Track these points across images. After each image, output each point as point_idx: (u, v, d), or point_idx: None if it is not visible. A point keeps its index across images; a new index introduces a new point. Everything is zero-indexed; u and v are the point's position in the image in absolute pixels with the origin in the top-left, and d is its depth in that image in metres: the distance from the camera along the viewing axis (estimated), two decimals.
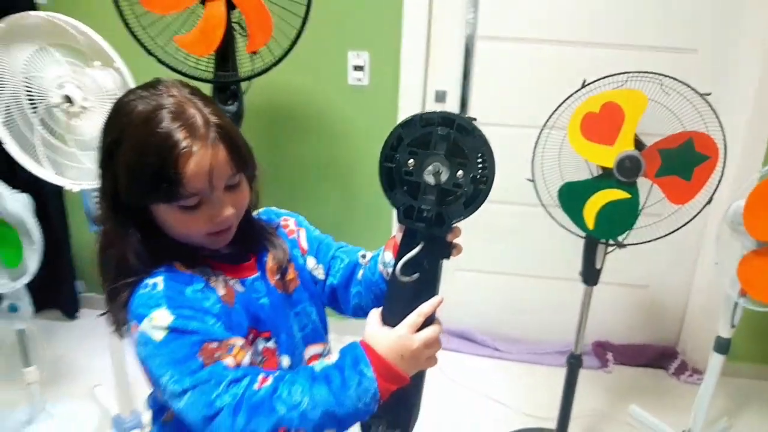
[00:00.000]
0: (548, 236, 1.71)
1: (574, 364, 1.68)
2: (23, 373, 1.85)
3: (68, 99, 1.47)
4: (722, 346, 1.75)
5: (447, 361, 2.35)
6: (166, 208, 0.75)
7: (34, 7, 2.09)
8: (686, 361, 2.30)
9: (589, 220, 1.45)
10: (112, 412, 1.92)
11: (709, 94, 1.33)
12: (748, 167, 1.95)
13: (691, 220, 1.44)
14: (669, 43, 2.01)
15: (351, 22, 2.09)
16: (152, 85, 0.76)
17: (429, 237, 0.74)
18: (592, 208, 1.43)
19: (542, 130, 1.44)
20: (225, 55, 1.55)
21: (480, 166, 0.72)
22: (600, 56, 2.04)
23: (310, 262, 0.92)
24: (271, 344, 0.82)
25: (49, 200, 2.24)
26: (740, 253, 1.53)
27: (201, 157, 0.72)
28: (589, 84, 1.37)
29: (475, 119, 0.74)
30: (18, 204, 1.58)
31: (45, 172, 1.57)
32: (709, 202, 1.40)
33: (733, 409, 2.11)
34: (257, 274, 0.85)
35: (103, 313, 0.80)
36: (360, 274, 0.89)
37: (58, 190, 2.31)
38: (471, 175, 0.72)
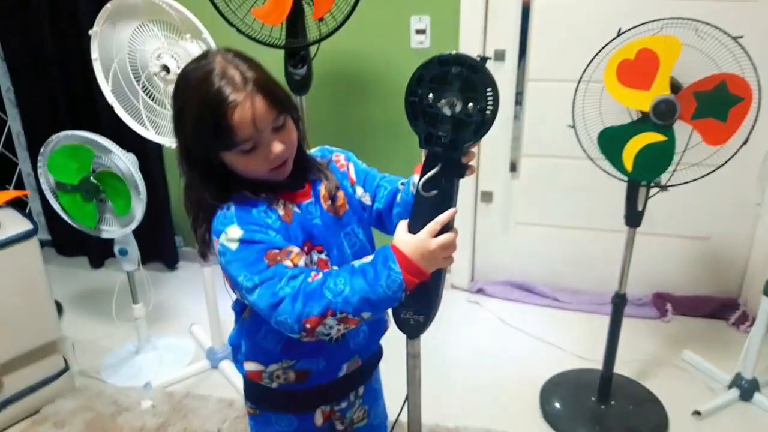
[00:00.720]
0: (608, 190, 1.76)
1: (618, 303, 1.78)
2: (132, 309, 2.18)
3: (165, 68, 1.72)
4: None
5: (508, 310, 2.50)
6: (230, 155, 0.90)
7: None
8: (747, 312, 2.31)
9: (628, 163, 1.54)
10: (205, 345, 2.22)
11: (741, 37, 1.38)
12: None
13: (728, 160, 1.50)
14: None
15: None
16: (202, 57, 0.92)
17: (446, 159, 0.88)
18: (630, 151, 1.52)
19: (581, 78, 1.54)
20: (294, 23, 1.75)
21: (488, 99, 0.84)
22: (657, 6, 2.06)
23: (359, 191, 1.08)
24: (323, 256, 0.98)
25: (150, 161, 2.55)
26: None
27: (244, 108, 0.86)
28: (625, 32, 1.46)
29: (489, 58, 0.87)
30: (127, 161, 1.87)
31: (148, 133, 1.84)
32: (745, 142, 1.46)
33: None
34: (311, 199, 0.99)
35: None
36: (399, 197, 1.04)
37: (158, 152, 2.63)
38: (479, 107, 0.84)
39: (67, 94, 2.64)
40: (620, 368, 2.03)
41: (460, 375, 2.12)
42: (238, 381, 2.01)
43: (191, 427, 1.86)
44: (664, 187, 1.62)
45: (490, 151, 2.45)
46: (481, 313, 2.50)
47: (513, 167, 2.43)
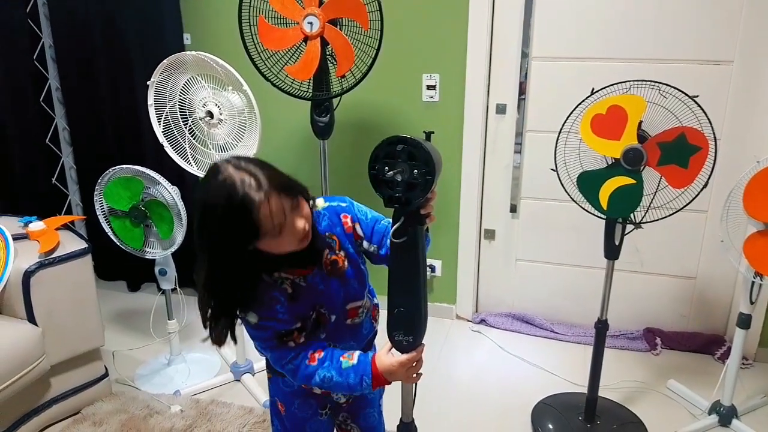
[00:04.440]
0: (600, 230, 1.91)
1: (600, 328, 1.98)
2: (167, 325, 2.43)
3: (209, 114, 2.02)
4: (743, 321, 1.98)
5: (508, 339, 2.70)
6: (263, 242, 1.05)
7: (182, 46, 2.73)
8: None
9: (603, 203, 1.77)
10: (230, 360, 2.45)
11: (697, 96, 1.63)
12: None
13: (689, 202, 1.73)
14: (705, 56, 2.28)
15: (425, 51, 2.54)
16: (215, 171, 1.03)
17: (406, 213, 1.12)
18: (605, 192, 1.76)
19: (560, 129, 1.80)
20: (320, 79, 2.05)
21: (428, 166, 1.07)
22: (642, 69, 2.33)
23: (365, 245, 1.25)
24: (324, 310, 1.22)
25: (187, 194, 2.82)
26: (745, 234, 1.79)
27: (265, 205, 1.00)
28: (597, 91, 1.72)
29: (432, 132, 1.15)
30: (172, 192, 2.15)
31: (191, 168, 2.13)
32: (705, 186, 1.69)
33: None
34: (314, 270, 1.19)
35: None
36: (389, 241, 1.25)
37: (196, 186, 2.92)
38: (422, 171, 1.07)
39: (116, 134, 2.97)
40: (608, 393, 2.23)
41: (460, 396, 2.32)
42: (258, 391, 2.25)
43: (215, 430, 2.07)
44: (638, 225, 1.84)
45: (492, 194, 2.70)
46: (482, 341, 2.70)
47: (513, 208, 2.67)
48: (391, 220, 1.27)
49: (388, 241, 1.20)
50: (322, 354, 1.18)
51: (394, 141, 1.08)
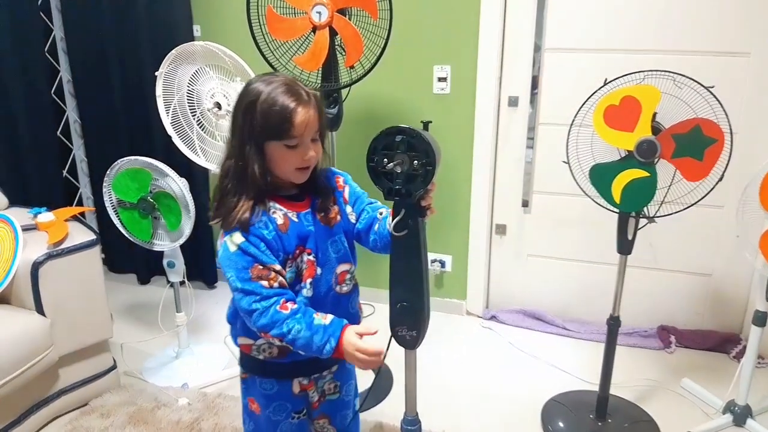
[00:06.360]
0: (613, 225, 1.87)
1: (612, 324, 1.94)
2: (175, 317, 2.43)
3: (218, 105, 2.01)
4: (759, 318, 1.93)
5: (519, 336, 2.66)
6: (277, 145, 1.15)
7: (192, 38, 2.72)
8: None
9: (616, 196, 1.73)
10: (237, 354, 2.43)
11: (713, 87, 1.59)
12: None
13: (705, 196, 1.68)
14: (721, 47, 2.23)
15: (436, 41, 2.51)
16: (272, 74, 1.21)
17: (407, 205, 1.11)
18: (618, 185, 1.72)
19: (572, 122, 1.76)
20: (329, 69, 2.03)
21: (428, 156, 1.06)
22: (655, 61, 2.26)
23: (348, 209, 1.32)
24: (311, 257, 1.22)
25: (195, 186, 2.81)
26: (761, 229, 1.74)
27: (303, 114, 1.13)
28: (610, 81, 1.68)
29: (430, 122, 1.13)
30: (180, 184, 2.14)
31: (199, 160, 2.12)
32: (720, 179, 1.64)
33: None
34: (308, 210, 1.24)
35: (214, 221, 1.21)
36: (376, 227, 1.28)
37: (204, 178, 2.91)
38: (422, 162, 1.06)
39: (127, 126, 2.97)
40: (621, 392, 2.18)
41: (470, 392, 2.29)
42: None
43: (222, 423, 2.07)
44: (651, 219, 1.80)
45: (504, 188, 2.66)
46: (493, 338, 2.66)
47: (525, 203, 2.63)
48: (383, 205, 1.28)
49: (388, 232, 1.19)
50: (296, 306, 1.17)
51: (392, 132, 1.06)
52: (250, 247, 1.15)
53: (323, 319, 1.17)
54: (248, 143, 1.16)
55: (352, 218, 1.31)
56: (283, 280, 1.18)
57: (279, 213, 1.20)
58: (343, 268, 1.28)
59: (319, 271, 1.24)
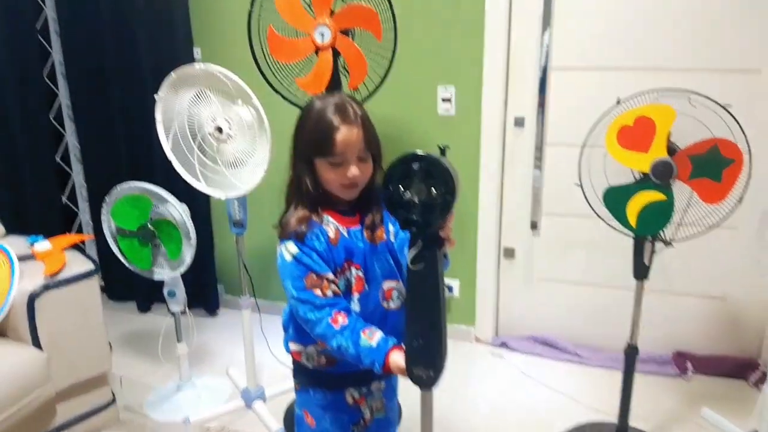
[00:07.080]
0: (625, 248, 1.84)
1: (630, 354, 1.87)
2: (176, 347, 2.36)
3: (219, 129, 1.95)
4: None
5: (530, 364, 2.58)
6: (322, 162, 1.19)
7: (193, 61, 2.68)
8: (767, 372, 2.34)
9: (632, 220, 1.67)
10: (241, 386, 2.36)
11: (730, 105, 1.53)
12: None
13: (724, 219, 1.62)
14: (731, 64, 2.18)
15: (440, 62, 2.47)
16: (330, 94, 1.27)
17: (424, 236, 1.04)
18: (633, 208, 1.66)
19: (584, 143, 1.71)
20: (332, 91, 1.98)
21: (448, 184, 0.99)
22: (664, 79, 2.21)
23: (391, 228, 1.31)
24: (360, 273, 1.25)
25: (197, 212, 2.76)
26: None
27: (345, 133, 1.17)
28: (623, 101, 1.63)
29: (447, 147, 1.07)
30: (181, 210, 2.09)
31: (200, 185, 2.07)
32: (739, 201, 1.58)
33: None
34: (358, 227, 1.27)
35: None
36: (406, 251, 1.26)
37: (206, 204, 2.86)
38: (441, 191, 0.99)
39: (127, 151, 2.92)
40: (638, 423, 2.10)
41: (480, 423, 2.20)
42: (269, 419, 2.15)
43: None
44: (668, 243, 1.73)
45: (511, 210, 2.60)
46: (503, 366, 2.58)
47: (534, 225, 2.56)
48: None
49: (405, 265, 1.14)
50: (347, 320, 1.18)
51: (408, 158, 1.00)
52: (304, 257, 1.20)
53: (369, 339, 1.17)
54: (300, 157, 1.23)
55: (393, 237, 1.32)
56: (336, 288, 1.21)
57: (331, 226, 1.24)
58: (389, 284, 1.29)
59: (366, 287, 1.26)
